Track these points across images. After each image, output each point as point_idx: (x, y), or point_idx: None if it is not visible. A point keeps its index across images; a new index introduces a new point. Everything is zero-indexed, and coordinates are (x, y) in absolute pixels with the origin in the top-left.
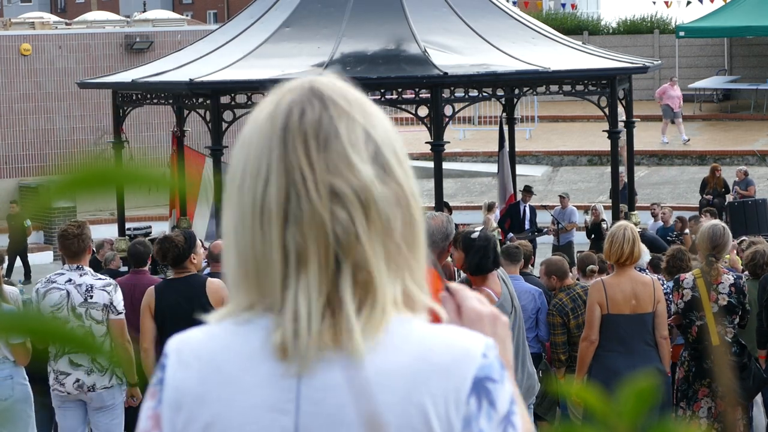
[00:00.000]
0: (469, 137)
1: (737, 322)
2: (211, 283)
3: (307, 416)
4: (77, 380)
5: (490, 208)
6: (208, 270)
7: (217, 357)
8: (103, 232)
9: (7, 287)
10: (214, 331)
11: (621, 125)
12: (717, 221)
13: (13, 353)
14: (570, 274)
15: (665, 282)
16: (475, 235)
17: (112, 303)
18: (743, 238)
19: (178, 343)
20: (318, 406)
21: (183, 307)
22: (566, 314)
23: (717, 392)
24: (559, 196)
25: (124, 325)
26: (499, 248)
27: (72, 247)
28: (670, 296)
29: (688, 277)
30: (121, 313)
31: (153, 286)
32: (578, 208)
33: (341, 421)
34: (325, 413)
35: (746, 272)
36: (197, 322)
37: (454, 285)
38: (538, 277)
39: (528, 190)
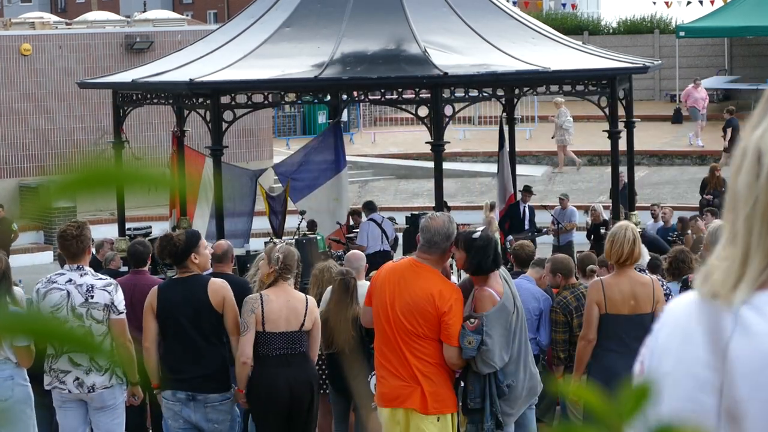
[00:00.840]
0: (469, 137)
1: None
2: (213, 283)
3: (730, 376)
4: (77, 378)
5: (492, 207)
6: (210, 270)
7: (684, 313)
8: (103, 232)
9: None
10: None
11: (621, 125)
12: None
13: (17, 355)
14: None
15: (665, 283)
16: (476, 235)
17: (113, 303)
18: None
19: (674, 301)
20: (741, 366)
21: (183, 307)
22: (569, 312)
23: None
24: (559, 197)
25: (125, 325)
26: (499, 248)
27: (71, 247)
28: (670, 297)
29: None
30: (122, 312)
31: (157, 286)
32: (578, 208)
33: (761, 385)
34: (749, 375)
35: None
36: (197, 323)
37: None
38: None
39: (527, 190)
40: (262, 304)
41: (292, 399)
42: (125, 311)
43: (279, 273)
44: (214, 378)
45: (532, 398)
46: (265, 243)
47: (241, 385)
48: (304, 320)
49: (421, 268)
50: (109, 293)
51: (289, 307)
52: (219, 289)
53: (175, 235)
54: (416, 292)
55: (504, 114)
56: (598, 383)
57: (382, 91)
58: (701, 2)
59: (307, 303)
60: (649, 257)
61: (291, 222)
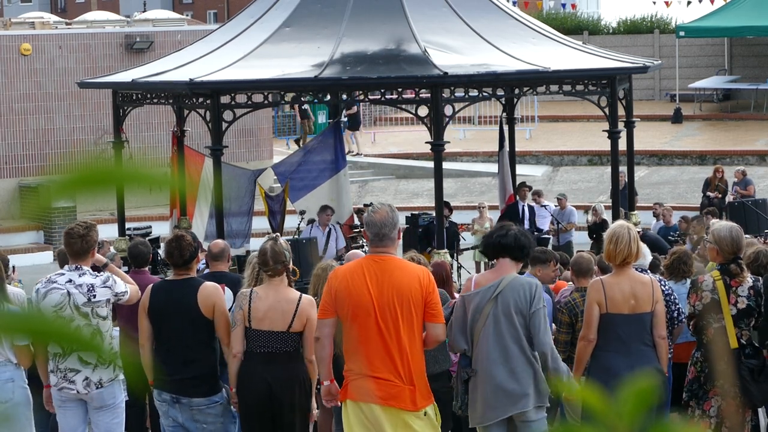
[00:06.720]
0: (469, 137)
1: (752, 324)
2: (205, 288)
3: None
4: (86, 378)
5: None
6: (206, 270)
7: None
8: (103, 232)
9: (11, 288)
10: None
11: (621, 125)
12: (732, 223)
13: (18, 355)
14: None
15: (666, 282)
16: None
17: (116, 294)
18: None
19: None
20: None
21: (172, 309)
22: (575, 315)
23: (729, 393)
24: (557, 197)
25: (137, 292)
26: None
27: (75, 246)
28: (672, 296)
29: (707, 279)
30: (126, 292)
31: (151, 285)
32: (578, 208)
33: None
34: None
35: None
36: (185, 326)
37: None
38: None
39: (524, 186)
40: (250, 300)
41: (272, 397)
42: (128, 290)
43: (260, 270)
44: (200, 382)
45: (518, 405)
46: None
47: (233, 382)
48: (292, 322)
49: (389, 259)
50: (110, 287)
51: (277, 307)
52: (210, 295)
53: (186, 235)
54: (401, 280)
55: (504, 114)
56: (598, 383)
57: (382, 91)
58: (700, 1)
59: (298, 304)
60: (651, 257)
61: (291, 222)
